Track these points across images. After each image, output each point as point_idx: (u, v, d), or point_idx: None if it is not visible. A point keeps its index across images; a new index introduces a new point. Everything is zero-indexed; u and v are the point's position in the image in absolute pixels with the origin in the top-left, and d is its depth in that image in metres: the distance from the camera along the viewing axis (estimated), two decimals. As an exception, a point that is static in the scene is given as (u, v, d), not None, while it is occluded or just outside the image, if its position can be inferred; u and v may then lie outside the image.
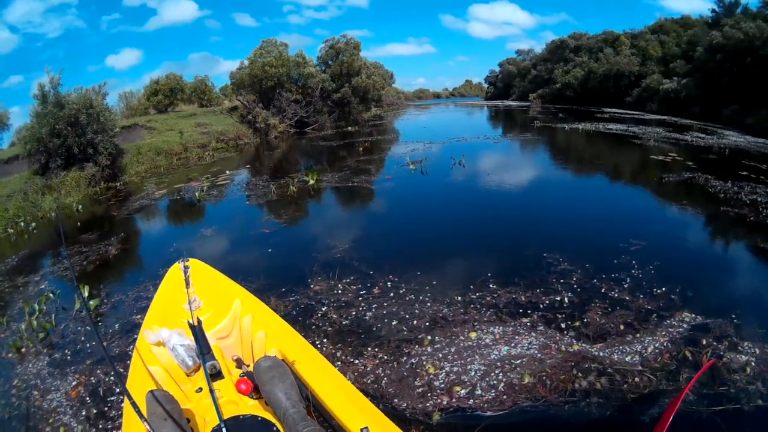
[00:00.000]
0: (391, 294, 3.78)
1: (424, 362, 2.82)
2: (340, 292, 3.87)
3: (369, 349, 3.01)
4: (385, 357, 2.91)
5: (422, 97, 58.71)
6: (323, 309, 3.59)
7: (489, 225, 5.84)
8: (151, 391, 1.61)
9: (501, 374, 2.67)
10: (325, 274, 4.24)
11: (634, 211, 6.32)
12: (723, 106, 15.62)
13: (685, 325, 3.13)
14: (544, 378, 2.63)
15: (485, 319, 3.28)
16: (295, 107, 19.23)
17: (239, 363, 1.94)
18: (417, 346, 2.98)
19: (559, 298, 3.57)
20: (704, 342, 2.92)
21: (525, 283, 3.83)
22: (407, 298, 3.68)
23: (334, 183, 8.53)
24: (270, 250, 5.12)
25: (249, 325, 2.01)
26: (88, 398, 2.89)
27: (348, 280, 4.07)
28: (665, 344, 2.92)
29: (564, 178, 8.98)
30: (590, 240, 5.10)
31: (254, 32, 58.82)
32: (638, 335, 3.03)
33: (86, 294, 4.23)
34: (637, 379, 2.61)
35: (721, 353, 2.79)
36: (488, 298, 3.60)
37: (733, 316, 3.20)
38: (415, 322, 3.31)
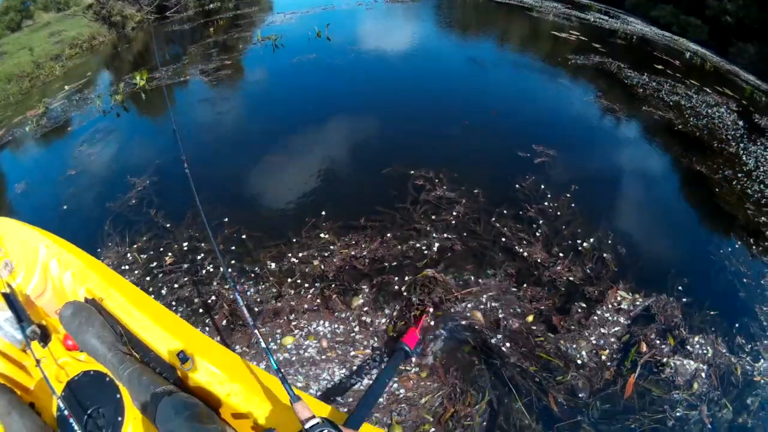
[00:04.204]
0: (185, 272, 2.86)
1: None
2: (127, 267, 2.95)
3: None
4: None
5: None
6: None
7: (335, 129, 4.48)
8: None
9: None
10: (118, 233, 3.24)
11: (537, 101, 5.10)
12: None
13: (622, 319, 2.55)
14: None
15: (305, 305, 2.56)
16: (153, -9, 15.51)
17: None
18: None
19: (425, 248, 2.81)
20: (650, 336, 2.43)
21: (377, 226, 2.99)
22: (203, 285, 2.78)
23: (166, 80, 6.66)
24: (66, 206, 3.82)
25: (57, 271, 1.86)
26: None
27: (140, 244, 3.12)
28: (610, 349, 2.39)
29: (450, 55, 7.28)
30: (481, 146, 4.00)
31: None
32: (564, 340, 2.38)
33: None
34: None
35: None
36: (316, 262, 2.80)
37: (680, 287, 2.75)
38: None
